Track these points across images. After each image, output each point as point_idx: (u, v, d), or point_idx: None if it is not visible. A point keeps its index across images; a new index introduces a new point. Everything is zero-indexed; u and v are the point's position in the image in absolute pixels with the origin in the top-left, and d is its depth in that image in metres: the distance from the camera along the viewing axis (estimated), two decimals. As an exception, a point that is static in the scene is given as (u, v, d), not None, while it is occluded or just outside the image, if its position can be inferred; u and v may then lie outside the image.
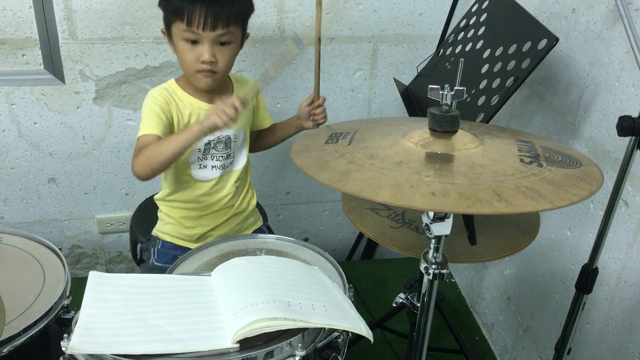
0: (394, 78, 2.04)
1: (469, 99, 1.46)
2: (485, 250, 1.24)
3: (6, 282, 1.21)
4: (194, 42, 1.39)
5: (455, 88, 1.02)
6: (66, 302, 1.18)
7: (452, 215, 0.97)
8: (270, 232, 1.74)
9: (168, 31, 1.44)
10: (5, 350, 1.05)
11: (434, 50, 1.86)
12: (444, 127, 1.02)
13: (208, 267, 1.27)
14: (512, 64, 1.41)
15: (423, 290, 1.08)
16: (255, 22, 1.57)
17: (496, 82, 1.42)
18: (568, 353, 1.34)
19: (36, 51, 1.85)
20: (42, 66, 1.88)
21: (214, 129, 1.26)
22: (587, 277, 1.23)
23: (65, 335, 0.93)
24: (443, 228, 0.98)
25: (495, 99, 1.38)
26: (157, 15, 1.48)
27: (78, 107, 1.96)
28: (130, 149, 2.06)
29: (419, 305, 1.11)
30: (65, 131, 1.99)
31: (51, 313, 1.14)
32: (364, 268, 2.42)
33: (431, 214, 0.97)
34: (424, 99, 1.68)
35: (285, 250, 1.37)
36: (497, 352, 2.02)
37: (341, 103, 2.15)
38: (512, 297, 1.90)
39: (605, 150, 1.38)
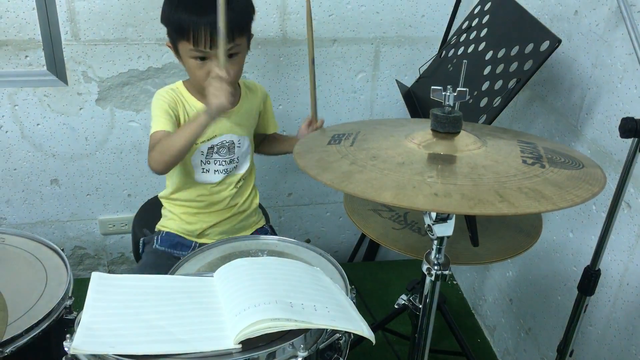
0: (396, 80, 2.04)
1: (471, 100, 1.46)
2: (488, 252, 1.24)
3: (9, 283, 1.21)
4: (203, 59, 1.40)
5: (458, 89, 1.02)
6: (68, 302, 1.19)
7: (454, 216, 0.97)
8: (273, 232, 1.74)
9: (174, 46, 1.45)
10: (7, 350, 1.05)
11: (437, 52, 1.85)
12: (446, 128, 1.02)
13: (210, 268, 1.27)
14: (514, 65, 1.41)
15: (425, 291, 1.08)
16: (257, 24, 1.57)
17: (499, 84, 1.42)
18: (570, 355, 1.34)
19: (39, 52, 1.85)
20: (45, 67, 1.88)
21: (221, 109, 1.29)
22: (590, 279, 1.23)
23: (67, 335, 0.93)
24: (445, 229, 0.98)
25: (497, 101, 1.39)
26: (160, 17, 1.48)
27: (81, 109, 1.96)
28: (132, 150, 2.06)
29: (421, 306, 1.11)
30: (67, 132, 1.99)
31: (54, 314, 1.14)
32: (366, 269, 2.42)
33: (433, 214, 0.97)
34: (426, 100, 1.68)
35: (287, 252, 1.37)
36: (499, 354, 2.02)
37: (343, 104, 2.15)
38: (514, 299, 1.89)
39: (608, 152, 1.38)
